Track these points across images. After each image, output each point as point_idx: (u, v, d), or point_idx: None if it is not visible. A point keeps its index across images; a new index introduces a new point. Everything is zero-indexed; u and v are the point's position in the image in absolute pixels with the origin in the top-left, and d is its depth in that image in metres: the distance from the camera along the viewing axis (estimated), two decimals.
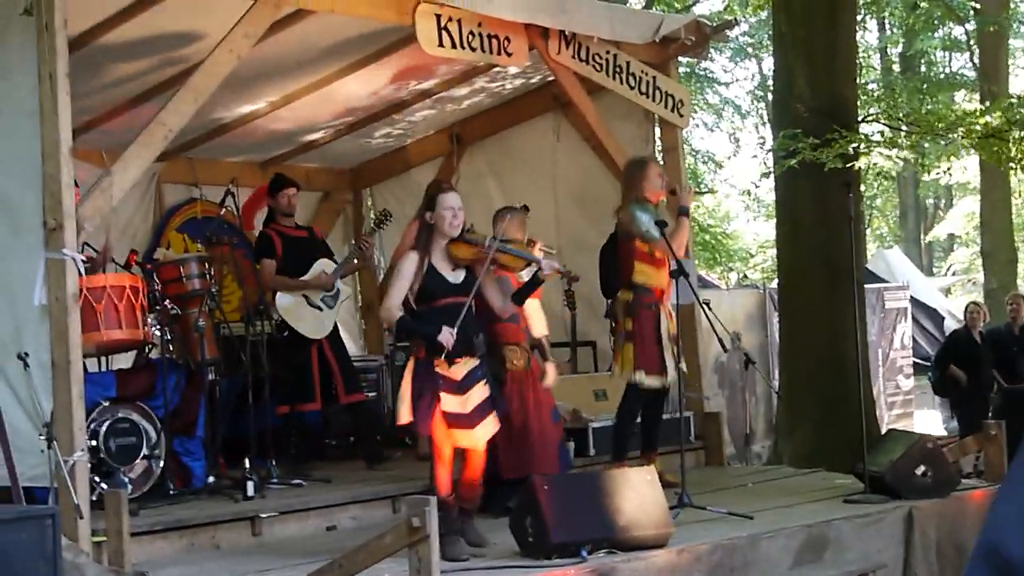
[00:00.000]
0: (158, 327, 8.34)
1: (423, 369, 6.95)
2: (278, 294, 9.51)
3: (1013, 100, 13.84)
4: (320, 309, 9.55)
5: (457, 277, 7.12)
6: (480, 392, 7.03)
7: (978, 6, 24.30)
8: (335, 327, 9.78)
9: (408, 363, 7.09)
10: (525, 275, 7.60)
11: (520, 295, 7.52)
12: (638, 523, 6.97)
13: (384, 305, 7.12)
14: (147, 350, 8.59)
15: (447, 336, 6.83)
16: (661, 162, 11.17)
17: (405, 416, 6.91)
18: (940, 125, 13.34)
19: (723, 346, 8.78)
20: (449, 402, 6.91)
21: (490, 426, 7.07)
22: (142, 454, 8.03)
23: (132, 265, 8.64)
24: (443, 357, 6.89)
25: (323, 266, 9.69)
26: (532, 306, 8.21)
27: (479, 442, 7.07)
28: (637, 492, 7.10)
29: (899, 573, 8.10)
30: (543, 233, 9.35)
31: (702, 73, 31.82)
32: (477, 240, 7.21)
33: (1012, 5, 26.27)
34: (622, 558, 6.77)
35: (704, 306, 8.97)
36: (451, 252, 7.10)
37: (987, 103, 15.53)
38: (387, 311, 7.04)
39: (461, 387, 6.97)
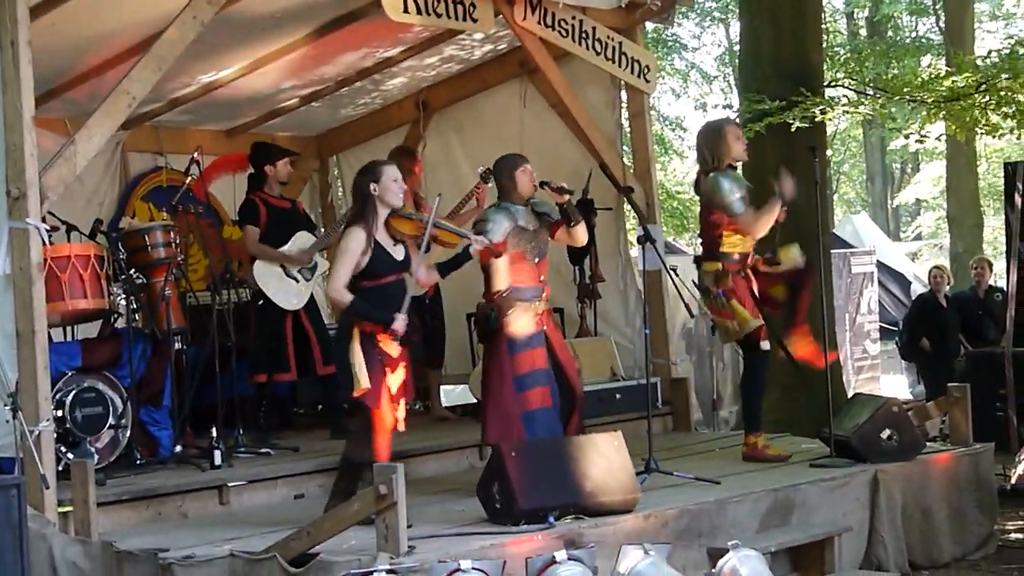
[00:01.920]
0: (124, 296, 8.31)
1: (368, 342, 6.92)
2: (256, 262, 9.43)
3: (978, 62, 13.85)
4: (296, 280, 9.49)
5: (399, 253, 7.12)
6: (403, 372, 7.08)
7: None
8: (312, 298, 9.70)
9: (353, 333, 6.95)
10: None
11: (446, 268, 7.52)
12: (605, 488, 7.00)
13: (332, 286, 6.97)
14: (113, 319, 8.55)
15: (400, 324, 6.89)
16: (628, 128, 11.16)
17: (364, 382, 6.85)
18: (906, 89, 13.36)
19: (689, 312, 8.79)
20: (390, 377, 6.98)
21: (401, 410, 7.11)
22: (108, 424, 8.02)
23: (97, 234, 8.59)
24: (395, 340, 6.95)
25: (303, 239, 9.62)
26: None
27: (402, 424, 7.12)
28: (604, 458, 7.12)
29: (864, 536, 8.16)
30: None
31: (670, 39, 31.79)
32: (415, 215, 7.32)
33: None
34: (589, 524, 6.79)
35: (671, 272, 8.97)
36: (393, 227, 7.09)
37: (952, 66, 15.53)
38: (337, 292, 6.94)
39: (395, 364, 7.02)
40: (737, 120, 11.10)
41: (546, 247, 8.25)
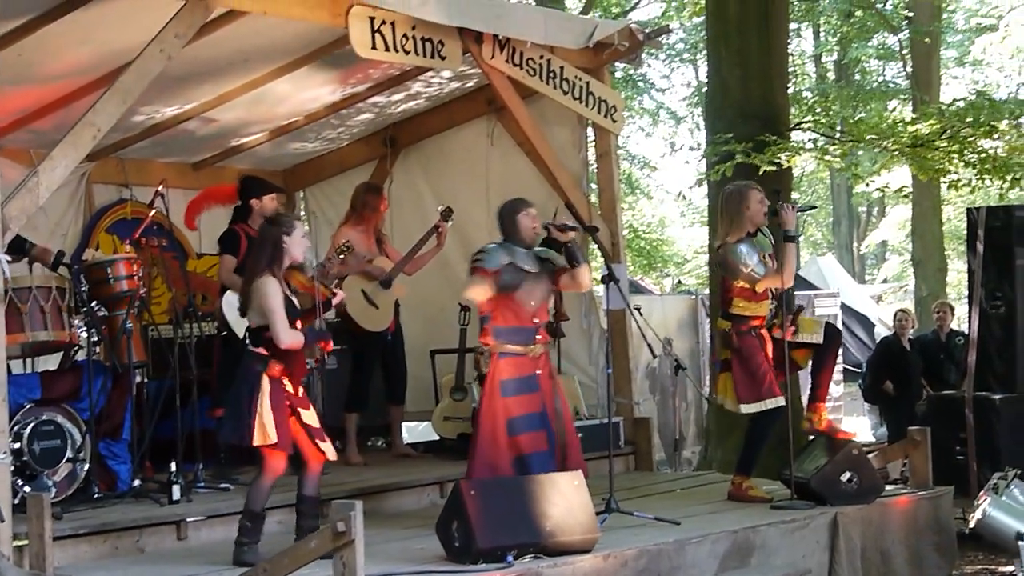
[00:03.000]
0: (85, 329, 8.27)
1: (276, 388, 7.08)
2: (226, 293, 9.40)
3: (942, 108, 13.97)
4: None
5: (297, 301, 7.32)
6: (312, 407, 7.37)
7: (911, 15, 24.59)
8: None
9: (261, 383, 7.06)
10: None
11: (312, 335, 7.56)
12: (564, 528, 6.99)
13: (281, 335, 7.01)
14: (73, 352, 8.51)
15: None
16: (594, 167, 11.19)
17: (272, 436, 6.97)
18: (870, 135, 13.47)
19: (652, 352, 8.82)
20: (307, 416, 7.21)
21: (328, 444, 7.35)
22: (66, 457, 7.96)
23: (60, 266, 8.54)
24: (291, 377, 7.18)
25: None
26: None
27: (333, 454, 7.34)
28: (564, 497, 7.11)
29: None
30: (477, 236, 9.34)
31: (639, 78, 31.93)
32: (305, 268, 7.64)
33: (944, 15, 26.58)
34: (548, 563, 6.78)
35: (635, 312, 8.99)
36: (292, 277, 7.41)
37: (919, 112, 15.67)
38: (283, 335, 7.02)
39: (304, 403, 7.28)
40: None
41: (547, 293, 8.28)
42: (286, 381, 7.12)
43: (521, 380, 7.96)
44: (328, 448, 7.27)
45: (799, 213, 8.95)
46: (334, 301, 7.71)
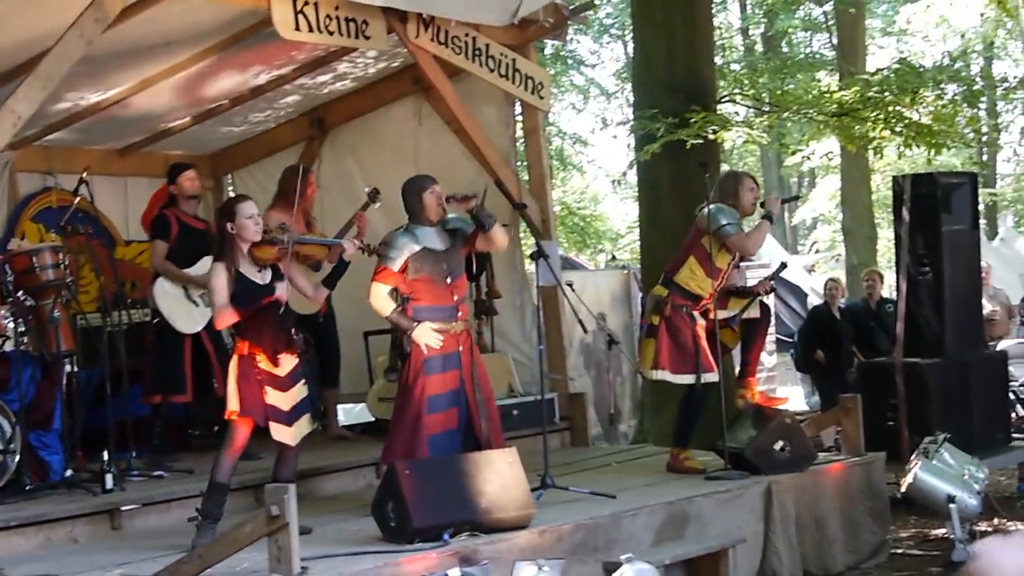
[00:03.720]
0: (11, 319, 8.19)
1: (245, 363, 7.17)
2: (158, 280, 9.32)
3: (867, 77, 14.07)
4: (196, 304, 9.37)
5: (265, 277, 7.31)
6: (300, 391, 7.32)
7: None
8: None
9: (232, 360, 7.22)
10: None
11: (330, 279, 7.82)
12: (500, 505, 7.01)
13: (219, 312, 7.14)
14: (1, 343, 8.42)
15: (281, 292, 7.27)
16: (522, 144, 11.20)
17: (233, 404, 7.10)
18: (796, 105, 13.54)
19: (583, 328, 8.83)
20: (273, 396, 7.19)
21: (305, 426, 7.36)
22: None
23: None
24: (266, 352, 7.19)
25: (209, 262, 9.52)
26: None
27: (295, 439, 7.32)
28: (499, 474, 7.14)
29: (759, 547, 8.25)
30: (403, 216, 9.28)
31: (568, 55, 31.94)
32: (276, 239, 7.47)
33: None
34: (484, 540, 6.80)
35: (566, 287, 9.01)
36: (255, 255, 7.28)
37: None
38: (224, 312, 7.12)
39: (285, 384, 7.24)
40: None
41: (460, 267, 8.24)
42: (259, 357, 7.16)
43: (444, 358, 7.95)
44: (279, 431, 7.22)
45: (783, 204, 9.22)
46: (347, 254, 7.88)
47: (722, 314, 8.98)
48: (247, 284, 7.18)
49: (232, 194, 13.05)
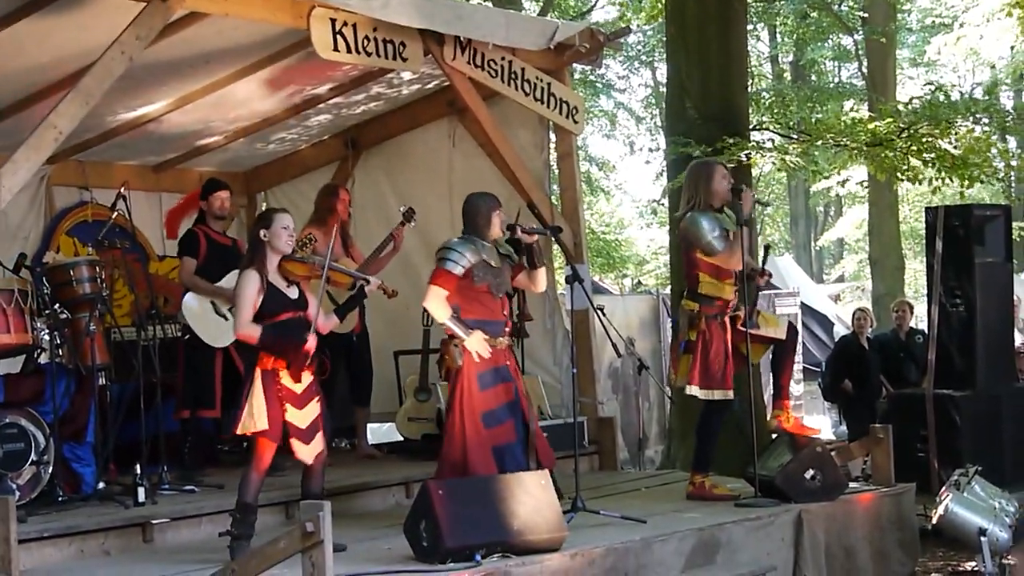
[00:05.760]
0: (47, 331, 8.23)
1: (269, 379, 7.16)
2: (187, 295, 9.42)
3: (900, 107, 14.07)
4: (225, 319, 9.44)
5: (293, 292, 7.36)
6: (315, 408, 7.31)
7: (866, 16, 24.74)
8: None
9: (253, 374, 7.20)
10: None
11: (343, 310, 7.79)
12: (532, 527, 7.00)
13: (239, 326, 7.20)
14: (36, 355, 8.45)
15: (312, 343, 7.17)
16: (556, 168, 11.22)
17: (258, 424, 7.09)
18: (829, 134, 13.55)
19: (617, 351, 8.84)
20: (291, 413, 7.19)
21: (319, 444, 7.32)
22: (30, 460, 7.90)
23: (21, 268, 8.50)
24: (288, 368, 7.18)
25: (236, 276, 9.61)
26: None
27: (310, 458, 7.30)
28: (531, 496, 7.12)
29: (789, 575, 8.21)
30: (439, 237, 9.34)
31: (596, 80, 32.00)
32: (308, 259, 7.57)
33: (899, 16, 26.77)
34: (516, 562, 6.78)
35: (598, 311, 9.02)
36: (285, 269, 7.33)
37: (875, 112, 15.76)
38: (245, 329, 7.17)
39: (302, 401, 7.24)
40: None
41: (508, 286, 8.32)
42: (282, 373, 7.15)
43: (496, 371, 7.98)
44: (300, 449, 7.23)
45: (756, 204, 9.05)
46: (369, 288, 7.80)
47: (754, 332, 8.91)
48: (275, 294, 7.22)
49: None
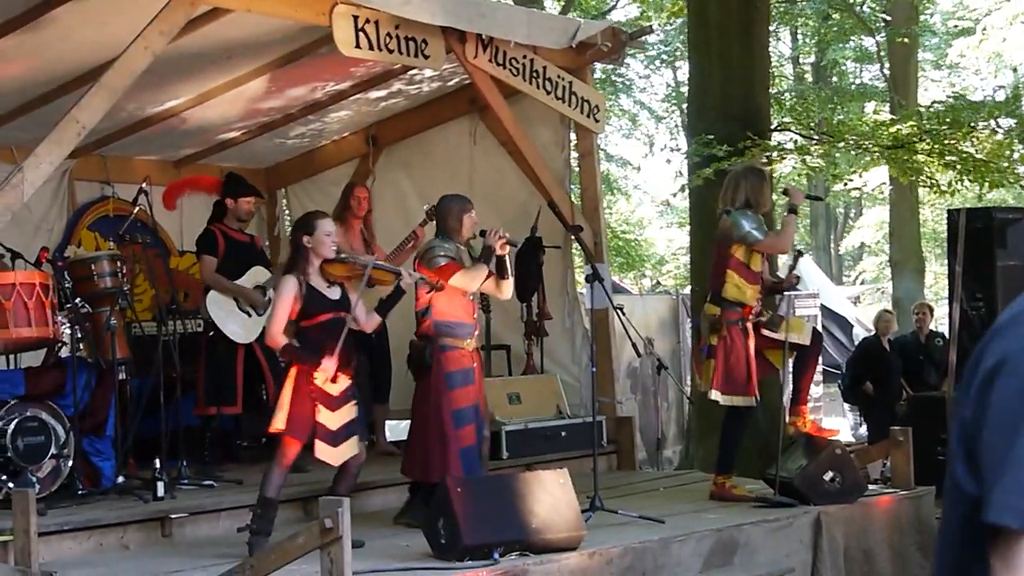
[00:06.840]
0: (68, 325, 8.25)
1: (304, 379, 7.18)
2: (210, 292, 9.47)
3: (921, 110, 14.03)
4: (248, 315, 9.48)
5: (334, 293, 7.41)
6: (349, 411, 7.30)
7: (888, 18, 24.68)
8: None
9: (290, 371, 7.27)
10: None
11: (385, 308, 7.76)
12: (550, 526, 7.00)
13: (269, 332, 7.31)
14: (57, 348, 8.49)
15: (329, 367, 7.13)
16: (576, 167, 11.22)
17: (281, 423, 7.13)
18: (850, 136, 13.52)
19: (636, 351, 8.83)
20: (323, 414, 7.18)
21: (351, 447, 7.32)
22: (51, 453, 7.93)
23: (43, 262, 8.53)
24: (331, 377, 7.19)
25: (257, 273, 9.65)
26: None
27: (337, 460, 7.31)
28: (550, 495, 7.12)
29: None
30: None
31: (617, 79, 31.97)
32: (350, 259, 7.57)
33: (921, 18, 26.69)
34: (534, 560, 6.79)
35: (618, 311, 9.01)
36: (327, 271, 7.38)
37: (897, 114, 15.75)
38: (272, 337, 7.26)
39: (336, 403, 7.23)
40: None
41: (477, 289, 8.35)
42: (316, 374, 7.15)
43: (464, 372, 8.03)
44: (323, 450, 7.22)
45: (807, 200, 9.21)
46: (404, 283, 7.70)
47: (772, 335, 8.90)
48: (315, 296, 7.27)
49: (285, 208, 13.16)
